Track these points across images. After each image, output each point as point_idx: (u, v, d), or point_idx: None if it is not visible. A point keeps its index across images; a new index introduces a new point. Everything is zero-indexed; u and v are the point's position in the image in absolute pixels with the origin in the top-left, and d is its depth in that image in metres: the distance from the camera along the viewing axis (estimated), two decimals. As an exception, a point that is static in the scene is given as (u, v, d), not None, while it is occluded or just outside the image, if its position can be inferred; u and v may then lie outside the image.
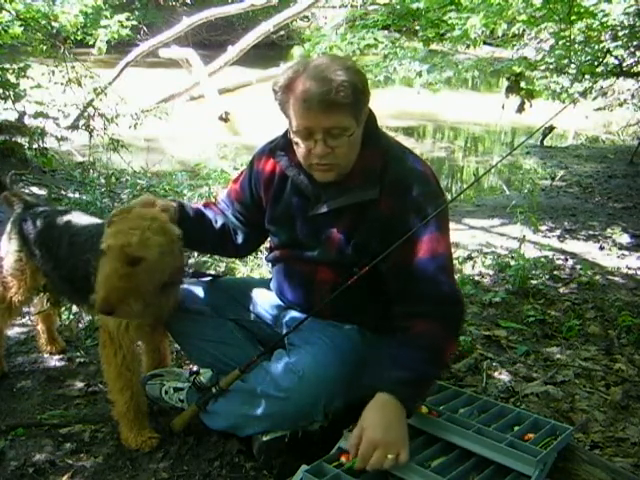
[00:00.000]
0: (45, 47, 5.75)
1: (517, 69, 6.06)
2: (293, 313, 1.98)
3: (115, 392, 1.90)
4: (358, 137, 1.71)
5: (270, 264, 2.10)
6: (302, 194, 1.82)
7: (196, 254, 3.48)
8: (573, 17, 4.92)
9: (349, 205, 1.74)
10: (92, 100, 5.57)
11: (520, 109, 6.17)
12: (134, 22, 7.41)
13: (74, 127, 5.71)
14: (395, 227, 1.70)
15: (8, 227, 2.21)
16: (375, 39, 6.55)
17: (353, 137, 1.67)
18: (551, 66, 6.09)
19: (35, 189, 4.72)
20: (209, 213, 2.01)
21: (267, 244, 2.11)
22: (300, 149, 1.69)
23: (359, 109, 1.66)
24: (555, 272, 3.61)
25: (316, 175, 1.73)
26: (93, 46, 7.07)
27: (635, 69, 6.48)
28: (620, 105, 8.53)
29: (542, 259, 3.73)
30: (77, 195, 4.59)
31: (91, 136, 5.49)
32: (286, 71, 1.67)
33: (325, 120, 1.60)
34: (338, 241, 1.78)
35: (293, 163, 1.80)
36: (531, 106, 6.10)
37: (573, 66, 5.86)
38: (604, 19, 5.22)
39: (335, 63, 1.62)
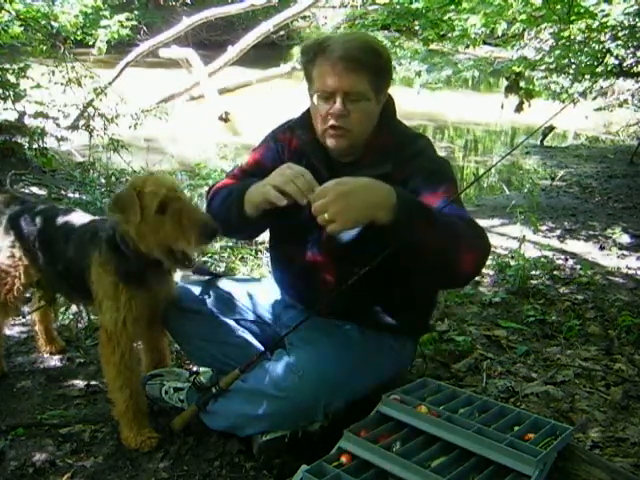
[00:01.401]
0: (45, 47, 5.75)
1: (517, 69, 6.07)
2: (293, 312, 1.98)
3: (114, 391, 1.91)
4: (375, 112, 1.77)
5: (271, 261, 2.10)
6: (318, 173, 1.81)
7: (196, 254, 3.47)
8: (573, 17, 4.92)
9: None
10: (92, 100, 5.56)
11: (518, 109, 6.18)
12: (134, 22, 7.40)
13: (74, 127, 5.69)
14: (408, 185, 1.69)
15: (2, 224, 2.19)
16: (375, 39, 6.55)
17: (371, 106, 1.72)
18: (551, 66, 6.09)
19: (35, 189, 4.71)
20: None
21: (267, 244, 2.11)
22: (319, 111, 1.72)
23: (379, 82, 1.73)
24: (555, 272, 3.60)
25: (329, 142, 1.75)
26: (93, 46, 7.06)
27: (635, 69, 6.49)
28: (620, 105, 8.53)
29: (542, 259, 3.73)
30: (77, 195, 4.58)
31: (91, 136, 5.48)
32: (315, 38, 1.77)
33: (346, 79, 1.67)
34: None
35: (310, 141, 1.83)
36: (530, 106, 6.11)
37: (573, 66, 5.86)
38: (604, 19, 5.22)
39: (362, 33, 1.70)
